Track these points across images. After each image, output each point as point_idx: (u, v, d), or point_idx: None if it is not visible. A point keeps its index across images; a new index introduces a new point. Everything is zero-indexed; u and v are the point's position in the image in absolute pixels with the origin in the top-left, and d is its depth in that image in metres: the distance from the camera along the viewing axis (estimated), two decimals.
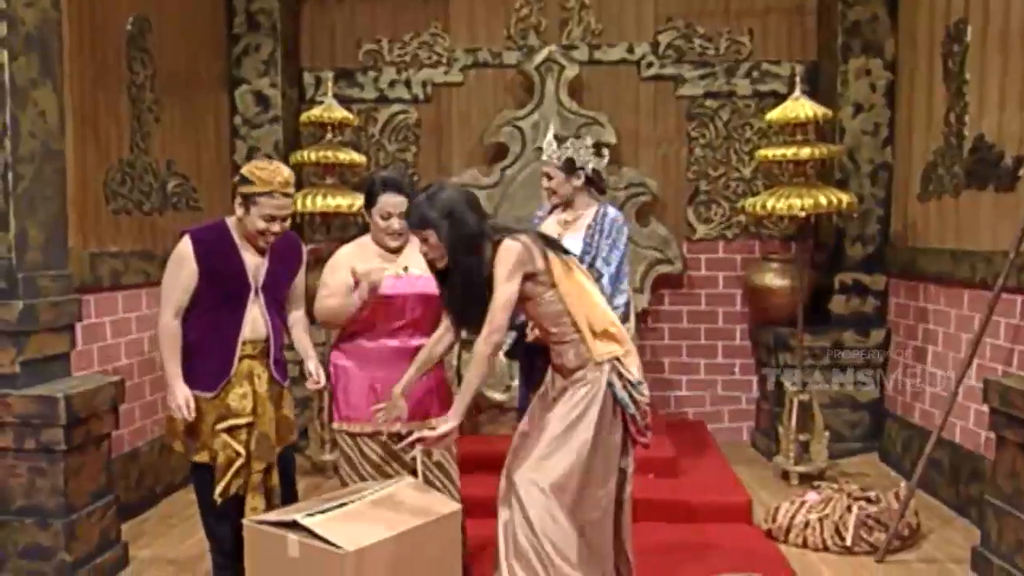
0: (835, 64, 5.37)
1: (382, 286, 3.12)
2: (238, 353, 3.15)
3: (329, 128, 5.10)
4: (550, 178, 3.75)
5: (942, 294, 4.66)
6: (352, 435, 3.25)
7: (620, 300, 3.61)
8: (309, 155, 4.98)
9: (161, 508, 4.47)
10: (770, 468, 5.03)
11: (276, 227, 3.11)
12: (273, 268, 3.22)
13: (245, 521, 2.86)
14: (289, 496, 3.34)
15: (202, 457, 3.19)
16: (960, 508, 4.29)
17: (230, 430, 3.14)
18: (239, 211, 3.11)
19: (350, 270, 3.16)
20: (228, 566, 3.30)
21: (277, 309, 3.28)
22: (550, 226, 3.70)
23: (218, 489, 3.14)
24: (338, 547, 2.48)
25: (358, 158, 5.11)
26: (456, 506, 2.91)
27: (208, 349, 3.14)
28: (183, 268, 3.10)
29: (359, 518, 2.68)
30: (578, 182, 3.69)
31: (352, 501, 2.78)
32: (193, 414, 3.09)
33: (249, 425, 3.17)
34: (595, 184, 3.78)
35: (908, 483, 3.87)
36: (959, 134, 4.45)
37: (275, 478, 3.26)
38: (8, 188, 3.28)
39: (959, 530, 4.09)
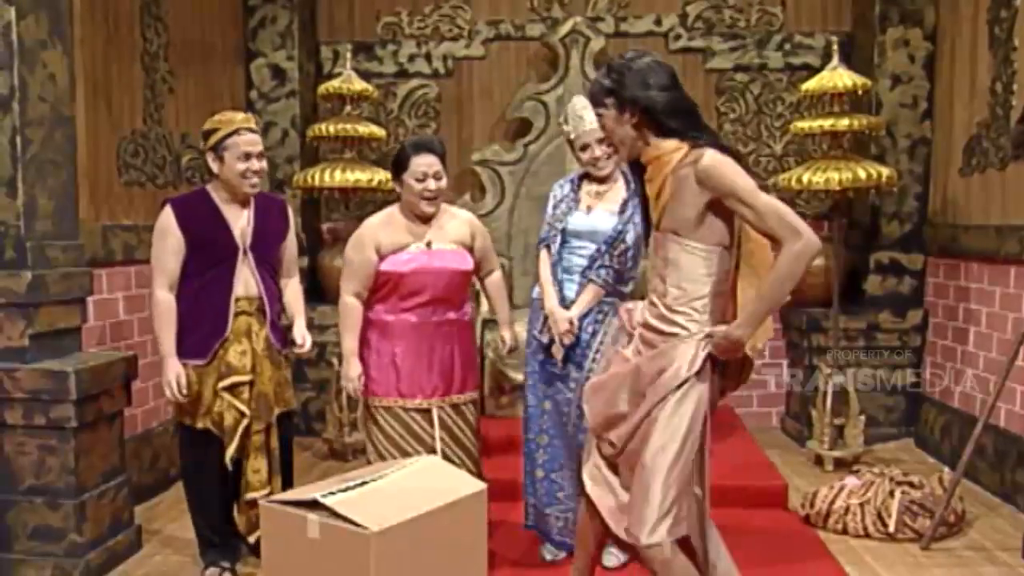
0: (871, 35, 5.16)
1: (402, 262, 3.10)
2: (232, 310, 3.11)
3: (348, 101, 4.94)
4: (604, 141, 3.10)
5: (985, 272, 4.47)
6: (374, 408, 3.17)
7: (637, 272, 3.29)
8: (327, 128, 4.83)
9: (175, 491, 4.34)
10: (802, 453, 4.86)
11: (256, 164, 3.09)
12: (259, 227, 3.18)
13: (261, 501, 2.74)
14: (288, 461, 3.34)
15: (204, 423, 3.14)
16: (1005, 495, 4.10)
17: (232, 388, 3.11)
18: (215, 167, 3.10)
19: (373, 248, 3.09)
20: (217, 541, 3.28)
21: (269, 272, 3.24)
22: (583, 200, 3.27)
23: (229, 452, 3.11)
24: (362, 527, 2.34)
25: (378, 131, 4.95)
26: (482, 485, 2.77)
27: (201, 315, 3.10)
28: (167, 238, 3.07)
29: (382, 497, 2.54)
30: None
31: (373, 480, 2.65)
32: (183, 392, 3.05)
33: (250, 384, 3.13)
34: None
35: (953, 471, 3.69)
36: (1006, 104, 4.25)
37: (275, 440, 3.23)
38: (16, 153, 3.14)
39: (1005, 517, 3.91)
